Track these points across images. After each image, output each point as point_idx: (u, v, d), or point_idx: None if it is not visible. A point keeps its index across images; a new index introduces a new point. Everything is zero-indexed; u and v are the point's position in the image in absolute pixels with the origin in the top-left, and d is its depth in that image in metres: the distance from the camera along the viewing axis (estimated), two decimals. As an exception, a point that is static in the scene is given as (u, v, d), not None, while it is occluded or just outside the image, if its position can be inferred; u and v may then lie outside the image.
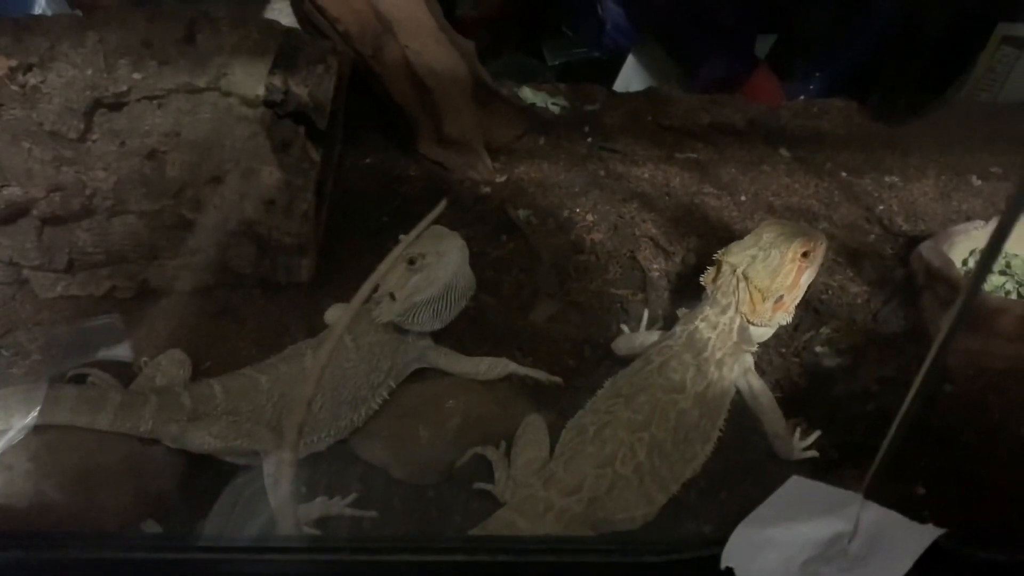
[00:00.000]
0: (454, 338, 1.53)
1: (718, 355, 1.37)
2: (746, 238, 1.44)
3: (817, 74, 2.67)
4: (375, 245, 1.74)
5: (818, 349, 1.58)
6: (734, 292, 1.38)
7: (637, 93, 2.44)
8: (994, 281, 1.64)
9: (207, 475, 1.33)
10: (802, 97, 2.53)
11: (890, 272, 1.74)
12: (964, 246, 1.66)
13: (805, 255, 1.38)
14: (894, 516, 0.85)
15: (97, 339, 1.53)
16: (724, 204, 1.93)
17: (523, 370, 1.48)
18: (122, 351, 1.51)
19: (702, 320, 1.39)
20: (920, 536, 0.83)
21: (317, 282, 1.66)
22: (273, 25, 1.64)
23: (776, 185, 2.03)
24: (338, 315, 1.47)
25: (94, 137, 1.47)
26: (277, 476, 1.26)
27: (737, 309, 1.38)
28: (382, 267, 1.43)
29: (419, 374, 1.48)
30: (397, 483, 1.35)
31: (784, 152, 2.18)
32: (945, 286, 1.54)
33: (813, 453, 1.39)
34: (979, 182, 2.05)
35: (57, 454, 1.25)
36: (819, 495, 0.87)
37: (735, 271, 1.39)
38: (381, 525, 1.29)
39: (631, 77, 2.67)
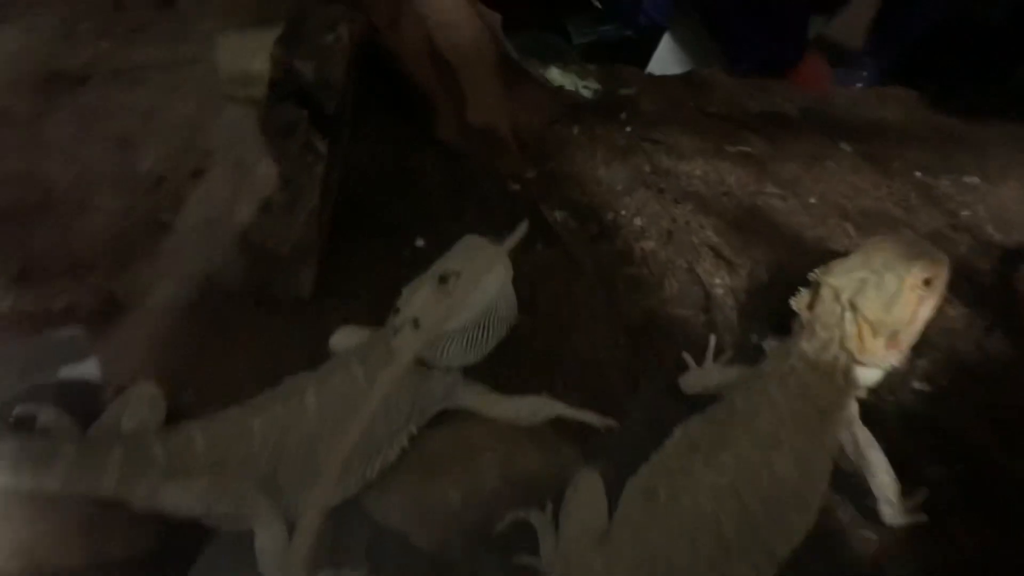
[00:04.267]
0: (483, 366, 1.28)
1: (821, 403, 1.11)
2: (851, 257, 1.18)
3: (868, 59, 2.43)
4: (386, 248, 1.51)
5: (916, 385, 1.34)
6: (838, 324, 1.13)
7: (676, 77, 2.17)
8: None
9: (185, 538, 1.09)
10: (859, 85, 2.29)
11: (990, 291, 1.50)
12: (1080, 263, 1.42)
13: (927, 282, 1.13)
14: None
15: (57, 355, 1.29)
16: (791, 207, 1.67)
17: (570, 411, 1.23)
18: (88, 368, 1.27)
19: (799, 358, 1.14)
20: None
21: (320, 293, 1.41)
22: (271, -14, 1.38)
23: (843, 185, 1.77)
24: (346, 342, 1.22)
25: (50, 119, 1.21)
26: (272, 552, 1.01)
27: (842, 345, 1.13)
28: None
29: (445, 416, 1.23)
30: (419, 553, 1.12)
31: (845, 147, 1.92)
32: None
33: (922, 516, 1.15)
34: (1075, 184, 1.81)
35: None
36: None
37: (839, 297, 1.13)
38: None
39: (667, 58, 2.42)
